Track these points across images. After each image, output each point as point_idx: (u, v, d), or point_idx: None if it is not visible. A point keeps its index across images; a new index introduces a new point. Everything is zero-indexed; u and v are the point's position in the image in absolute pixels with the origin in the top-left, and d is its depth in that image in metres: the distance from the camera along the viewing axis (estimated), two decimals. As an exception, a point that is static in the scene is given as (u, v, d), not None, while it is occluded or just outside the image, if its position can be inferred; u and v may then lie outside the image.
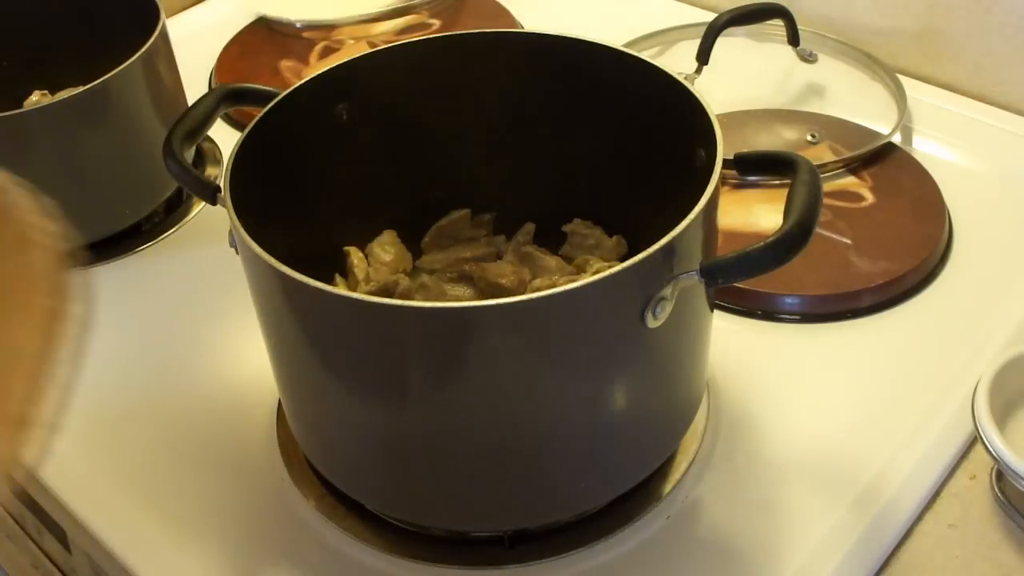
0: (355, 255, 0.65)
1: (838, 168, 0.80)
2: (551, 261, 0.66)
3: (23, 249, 0.34)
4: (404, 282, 0.62)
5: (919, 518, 0.57)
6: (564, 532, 0.56)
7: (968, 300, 0.70)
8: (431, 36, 0.62)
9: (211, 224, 0.80)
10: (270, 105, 0.57)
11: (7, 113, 0.69)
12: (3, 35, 0.85)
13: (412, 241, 0.68)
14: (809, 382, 0.65)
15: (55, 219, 0.35)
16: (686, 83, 0.55)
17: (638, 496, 0.58)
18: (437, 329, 0.46)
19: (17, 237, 0.34)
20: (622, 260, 0.51)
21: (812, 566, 0.54)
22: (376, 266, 0.66)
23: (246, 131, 0.54)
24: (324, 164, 0.61)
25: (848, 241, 0.73)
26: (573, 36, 0.60)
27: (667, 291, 0.47)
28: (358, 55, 0.60)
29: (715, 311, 0.57)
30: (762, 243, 0.46)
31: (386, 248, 0.67)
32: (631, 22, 0.96)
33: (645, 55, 0.58)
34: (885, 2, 0.91)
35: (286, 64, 0.97)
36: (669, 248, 0.46)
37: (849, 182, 0.79)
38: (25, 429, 0.30)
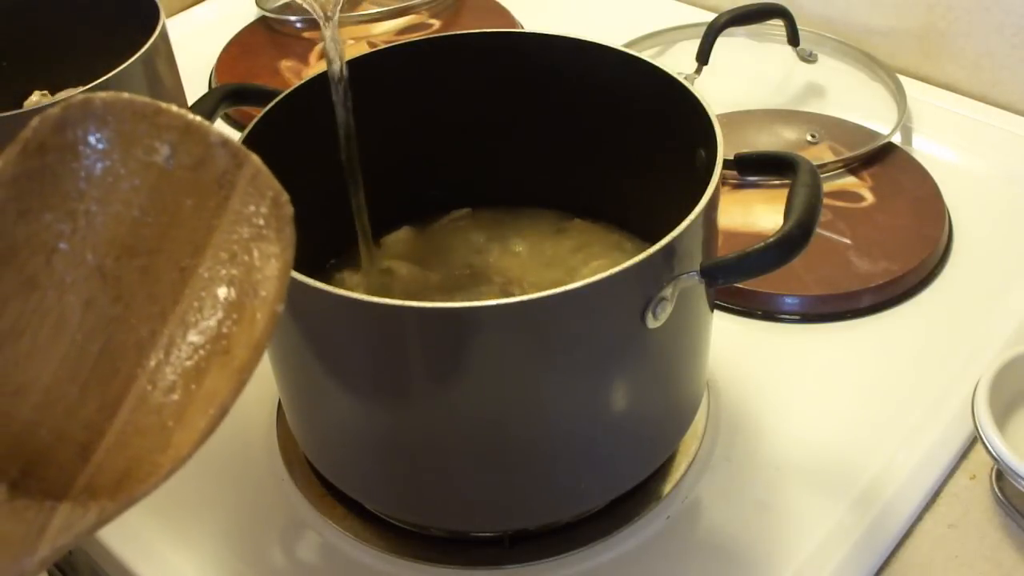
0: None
1: (838, 168, 0.80)
2: (552, 259, 0.66)
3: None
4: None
5: (919, 518, 0.57)
6: (564, 532, 0.56)
7: (968, 300, 0.70)
8: (431, 36, 0.62)
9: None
10: (270, 105, 0.57)
11: (7, 113, 0.69)
12: (3, 35, 0.85)
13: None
14: (809, 382, 0.65)
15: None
16: (686, 83, 0.55)
17: (638, 496, 0.58)
18: (437, 329, 0.46)
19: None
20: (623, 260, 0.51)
21: (812, 566, 0.54)
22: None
23: (246, 131, 0.54)
24: (324, 164, 0.61)
25: (848, 241, 0.73)
26: (573, 36, 0.60)
27: (667, 291, 0.47)
28: (358, 55, 0.60)
29: (715, 311, 0.57)
30: (762, 243, 0.46)
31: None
32: (631, 22, 0.96)
33: (645, 55, 0.58)
34: (885, 2, 0.91)
35: (286, 64, 0.97)
36: (669, 248, 0.46)
37: (849, 182, 0.79)
38: (245, 376, 0.34)
